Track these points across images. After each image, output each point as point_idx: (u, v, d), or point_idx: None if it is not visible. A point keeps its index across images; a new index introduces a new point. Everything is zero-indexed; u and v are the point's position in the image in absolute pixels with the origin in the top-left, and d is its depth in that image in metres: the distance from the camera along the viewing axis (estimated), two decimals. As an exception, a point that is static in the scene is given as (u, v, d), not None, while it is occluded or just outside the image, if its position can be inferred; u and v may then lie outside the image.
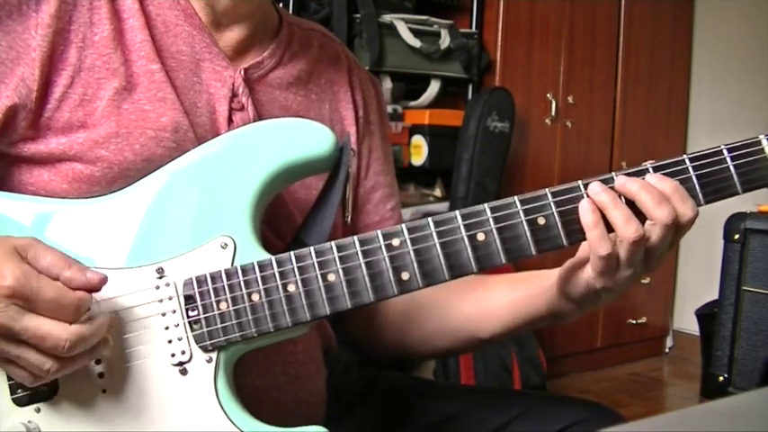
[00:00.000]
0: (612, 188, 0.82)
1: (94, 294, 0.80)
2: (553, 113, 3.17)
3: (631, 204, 0.81)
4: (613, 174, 0.83)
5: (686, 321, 3.57)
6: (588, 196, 0.82)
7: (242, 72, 0.96)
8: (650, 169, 0.83)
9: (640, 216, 0.81)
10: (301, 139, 0.87)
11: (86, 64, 0.87)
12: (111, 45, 0.88)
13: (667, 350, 3.77)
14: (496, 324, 1.00)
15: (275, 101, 0.99)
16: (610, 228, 0.81)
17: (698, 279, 3.50)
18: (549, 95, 3.16)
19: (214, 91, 0.94)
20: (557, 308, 0.93)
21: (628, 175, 0.82)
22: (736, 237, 2.04)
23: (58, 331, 0.72)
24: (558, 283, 0.91)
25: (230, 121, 0.94)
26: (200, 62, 0.94)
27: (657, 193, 0.81)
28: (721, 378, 2.03)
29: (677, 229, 0.82)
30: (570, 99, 3.22)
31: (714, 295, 2.15)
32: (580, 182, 0.83)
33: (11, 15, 0.84)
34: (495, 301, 1.00)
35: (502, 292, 1.00)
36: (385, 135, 1.13)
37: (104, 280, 0.77)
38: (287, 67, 1.01)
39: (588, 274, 0.84)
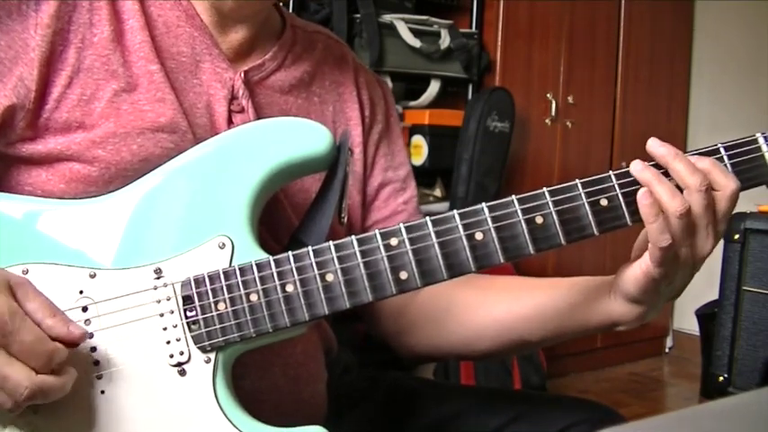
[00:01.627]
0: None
1: (93, 296, 0.80)
2: (553, 113, 3.17)
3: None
4: (610, 172, 0.83)
5: (686, 321, 3.57)
6: (633, 175, 0.81)
7: (242, 74, 0.96)
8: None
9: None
10: (298, 137, 0.86)
11: (85, 65, 0.87)
12: (110, 46, 0.88)
13: (667, 350, 3.77)
14: (549, 326, 0.96)
15: (275, 104, 0.99)
16: None
17: (698, 279, 3.47)
18: (549, 95, 3.16)
19: (214, 92, 0.94)
20: (614, 312, 0.89)
21: (620, 176, 0.82)
22: (736, 237, 2.04)
23: (19, 377, 0.71)
24: (615, 283, 0.87)
25: (230, 122, 0.94)
26: (200, 63, 0.94)
27: (690, 162, 0.81)
28: (721, 378, 2.03)
29: (718, 202, 0.81)
30: (570, 99, 3.22)
31: (714, 295, 2.15)
32: (578, 180, 0.83)
33: (10, 15, 0.84)
34: (549, 303, 0.95)
35: (558, 293, 0.95)
36: (393, 133, 1.13)
37: (85, 335, 0.77)
38: (289, 69, 1.01)
39: (646, 263, 0.82)
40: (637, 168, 0.82)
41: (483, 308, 1.00)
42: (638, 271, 0.83)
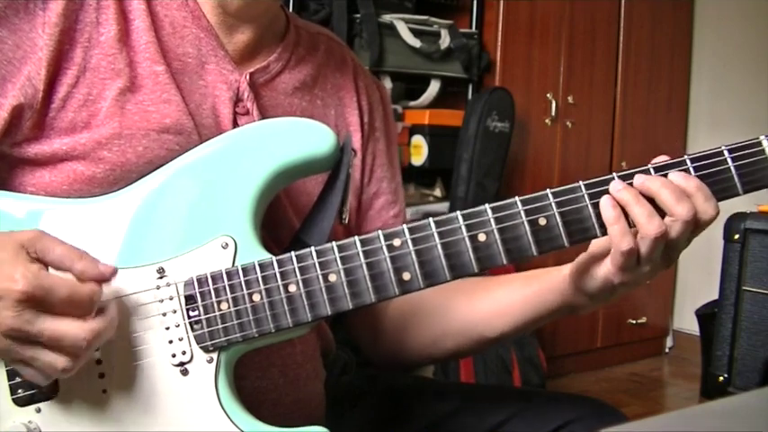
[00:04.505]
0: (631, 185, 0.82)
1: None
2: (553, 113, 3.17)
3: (651, 201, 0.81)
4: (614, 174, 0.83)
5: (686, 321, 3.57)
6: (609, 193, 0.82)
7: (247, 76, 0.95)
8: (651, 170, 0.83)
9: (660, 212, 0.81)
10: (302, 138, 0.87)
11: (91, 64, 0.87)
12: (116, 46, 0.88)
13: (667, 350, 3.77)
14: (508, 321, 0.98)
15: (279, 106, 0.99)
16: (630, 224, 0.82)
17: (698, 279, 3.50)
18: (549, 95, 3.16)
19: (219, 93, 0.94)
20: (570, 302, 0.92)
21: (624, 177, 0.82)
22: (736, 237, 2.04)
23: (75, 331, 0.72)
24: (572, 277, 0.89)
25: (235, 124, 0.93)
26: (205, 64, 0.94)
27: (677, 189, 0.81)
28: (721, 378, 2.03)
29: (696, 225, 0.82)
30: (570, 99, 3.23)
31: (714, 295, 2.15)
32: (581, 182, 0.83)
33: (18, 14, 0.84)
34: (506, 299, 0.98)
35: (513, 289, 0.98)
36: (390, 141, 1.13)
37: (115, 271, 0.77)
38: (293, 71, 1.01)
39: (607, 268, 0.84)
40: (616, 188, 0.82)
41: (445, 309, 1.02)
42: (599, 275, 0.85)
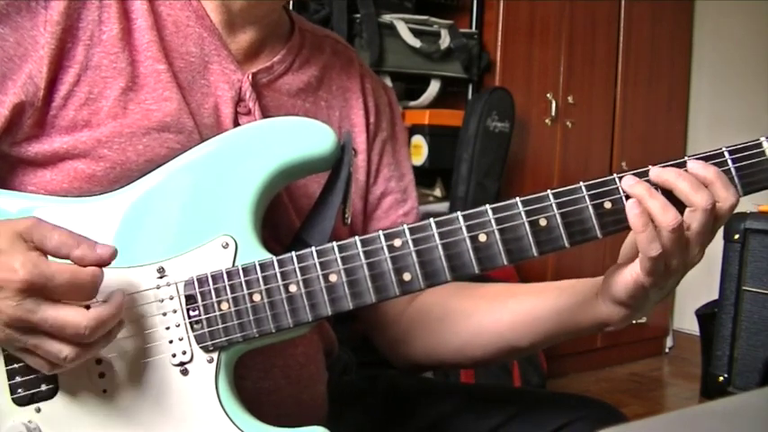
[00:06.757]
0: (647, 180, 0.81)
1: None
2: (553, 113, 3.17)
3: (668, 194, 0.81)
4: (614, 175, 0.83)
5: (686, 321, 3.57)
6: (626, 194, 0.81)
7: (250, 76, 0.95)
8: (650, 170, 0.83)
9: (679, 206, 0.80)
10: (302, 137, 0.87)
11: (93, 62, 0.87)
12: (118, 45, 0.88)
13: (667, 350, 3.77)
14: (539, 332, 0.96)
15: (282, 107, 0.99)
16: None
17: (698, 279, 3.47)
18: (549, 95, 3.16)
19: (221, 93, 0.94)
20: (603, 314, 0.89)
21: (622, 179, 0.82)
22: (736, 237, 2.05)
23: (77, 319, 0.71)
24: (604, 286, 0.87)
25: (236, 124, 0.93)
26: (208, 64, 0.93)
27: (694, 179, 0.80)
28: (721, 378, 2.04)
29: (717, 215, 0.81)
30: (570, 99, 3.23)
31: (714, 295, 2.15)
32: (582, 183, 0.82)
33: (20, 12, 0.84)
34: (537, 309, 0.96)
35: (545, 298, 0.96)
36: (398, 141, 1.12)
37: (115, 252, 0.76)
38: (297, 73, 1.01)
39: (636, 272, 0.82)
40: (629, 183, 0.81)
41: (474, 316, 1.01)
42: (629, 277, 0.83)
